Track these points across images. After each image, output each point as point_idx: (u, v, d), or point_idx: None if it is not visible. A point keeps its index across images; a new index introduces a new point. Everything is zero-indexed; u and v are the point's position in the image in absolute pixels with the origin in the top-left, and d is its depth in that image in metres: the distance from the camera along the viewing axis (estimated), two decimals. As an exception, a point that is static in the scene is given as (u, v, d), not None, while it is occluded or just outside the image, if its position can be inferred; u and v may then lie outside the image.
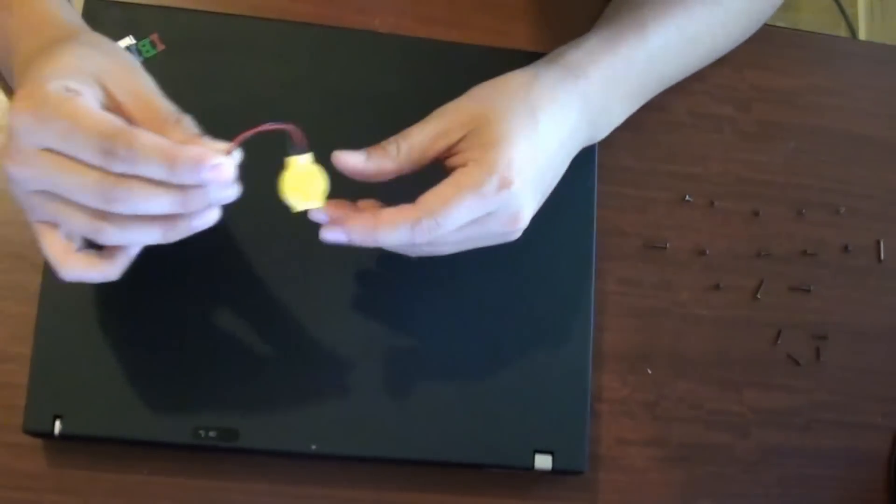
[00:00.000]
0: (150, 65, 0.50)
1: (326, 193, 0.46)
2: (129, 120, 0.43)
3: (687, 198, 0.62)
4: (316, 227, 0.48)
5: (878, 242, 0.64)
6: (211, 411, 0.51)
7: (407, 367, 0.54)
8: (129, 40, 0.55)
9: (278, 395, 0.52)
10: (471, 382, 0.54)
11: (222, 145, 0.43)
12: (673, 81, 0.61)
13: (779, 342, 0.61)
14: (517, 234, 0.50)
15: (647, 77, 0.58)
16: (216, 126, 0.55)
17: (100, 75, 0.43)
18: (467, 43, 0.60)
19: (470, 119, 0.49)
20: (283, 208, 0.56)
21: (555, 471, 0.54)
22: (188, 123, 0.44)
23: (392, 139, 0.49)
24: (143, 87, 0.44)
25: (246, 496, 0.53)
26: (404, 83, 0.58)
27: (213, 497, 0.53)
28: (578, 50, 0.55)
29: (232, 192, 0.44)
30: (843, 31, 1.47)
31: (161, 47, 0.55)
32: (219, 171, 0.42)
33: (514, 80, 0.51)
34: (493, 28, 0.62)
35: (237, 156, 0.43)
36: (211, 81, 0.56)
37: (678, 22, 0.58)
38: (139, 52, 0.55)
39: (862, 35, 1.51)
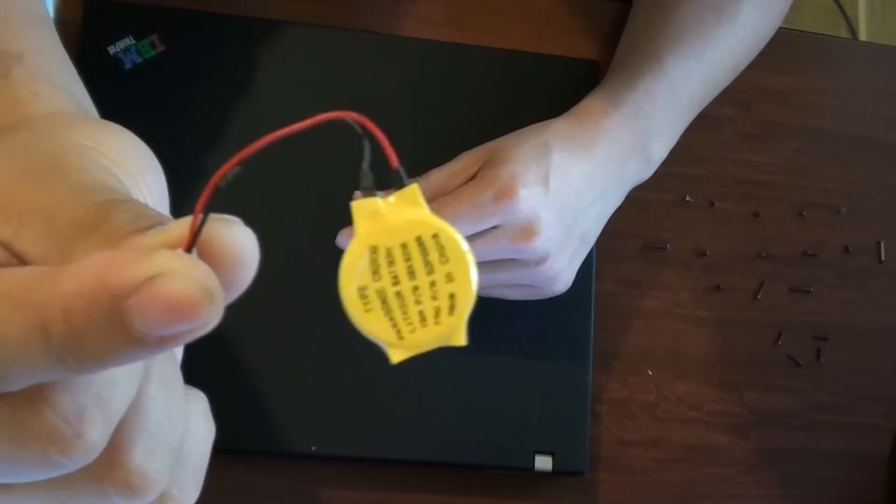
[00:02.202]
0: (150, 65, 0.50)
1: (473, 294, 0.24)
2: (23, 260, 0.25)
3: (687, 198, 0.62)
4: (316, 228, 0.48)
5: (879, 243, 0.64)
6: (210, 411, 0.51)
7: (407, 368, 0.54)
8: (129, 40, 0.55)
9: (278, 396, 0.52)
10: (471, 383, 0.54)
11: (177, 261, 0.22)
12: (705, 104, 0.59)
13: (779, 343, 0.61)
14: (549, 273, 0.50)
15: (674, 108, 0.56)
16: (216, 126, 0.55)
17: None
18: (467, 43, 0.60)
19: (483, 154, 0.51)
20: (280, 210, 0.56)
21: (555, 472, 0.54)
22: (122, 219, 0.24)
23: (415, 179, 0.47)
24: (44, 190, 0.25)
25: (245, 497, 0.53)
26: (404, 84, 0.58)
27: (213, 498, 0.53)
28: (595, 96, 0.55)
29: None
30: (843, 32, 1.47)
31: (161, 47, 0.55)
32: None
33: (529, 127, 0.53)
34: (493, 28, 0.62)
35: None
36: (211, 82, 0.56)
37: (695, 49, 0.56)
38: (139, 53, 0.55)
39: (862, 36, 1.51)
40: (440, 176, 0.51)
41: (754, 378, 0.60)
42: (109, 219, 0.25)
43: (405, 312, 0.23)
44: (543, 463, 0.54)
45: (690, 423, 0.59)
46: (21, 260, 0.25)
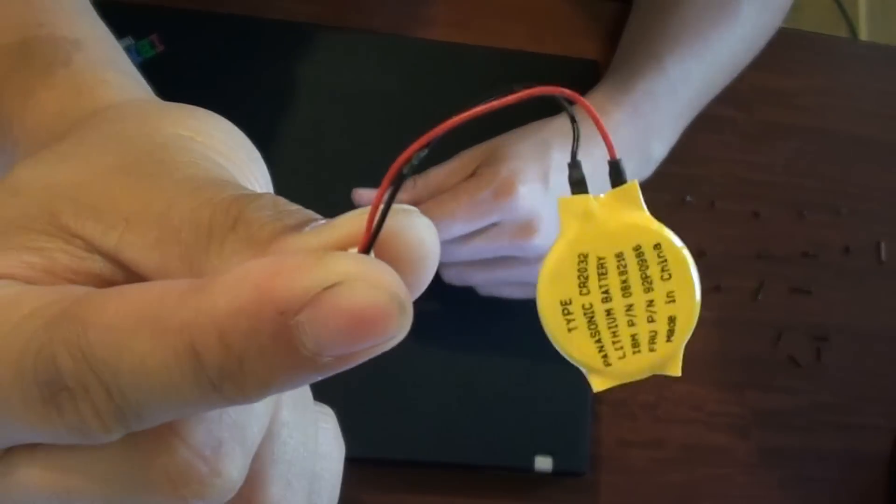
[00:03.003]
0: (150, 65, 0.49)
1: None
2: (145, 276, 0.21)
3: (687, 198, 0.62)
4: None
5: (879, 244, 0.64)
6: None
7: (406, 369, 0.54)
8: (128, 40, 0.55)
9: (278, 396, 0.52)
10: (471, 384, 0.54)
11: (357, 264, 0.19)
12: (705, 103, 0.58)
13: (779, 343, 0.61)
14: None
15: (674, 108, 0.56)
16: (216, 126, 0.55)
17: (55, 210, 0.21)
18: (467, 43, 0.60)
19: (482, 153, 0.51)
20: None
21: (555, 472, 0.54)
22: (258, 214, 0.20)
23: (411, 177, 0.45)
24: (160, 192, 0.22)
25: (245, 497, 0.53)
26: (404, 83, 0.58)
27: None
28: (595, 95, 0.54)
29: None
30: (844, 32, 1.47)
31: (161, 48, 0.55)
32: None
33: (528, 125, 0.53)
34: (493, 28, 0.62)
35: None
36: (211, 82, 0.56)
37: (694, 49, 0.56)
38: (139, 53, 0.55)
39: (863, 36, 1.51)
40: (439, 174, 0.51)
41: (754, 378, 0.60)
42: (245, 217, 0.20)
43: (615, 335, 0.20)
44: (543, 463, 0.54)
45: (691, 423, 0.59)
46: (131, 272, 0.21)
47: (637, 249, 0.19)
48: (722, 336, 0.61)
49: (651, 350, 0.20)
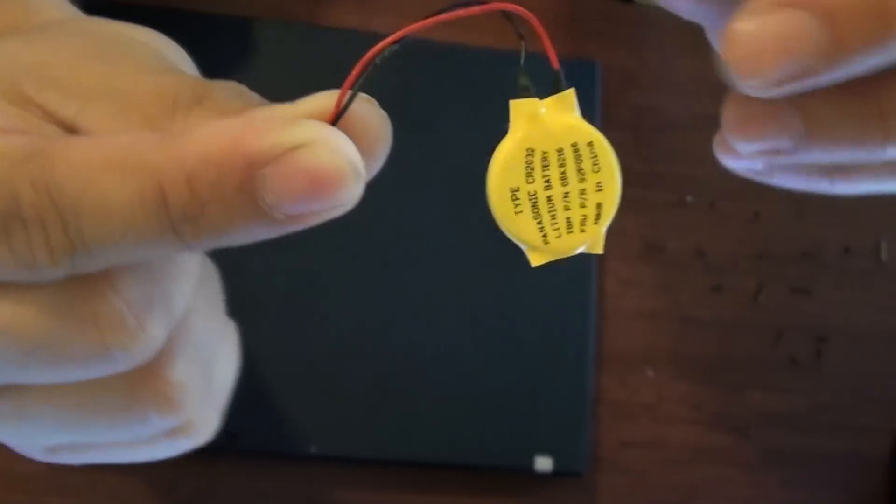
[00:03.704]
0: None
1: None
2: None
3: (688, 199, 0.62)
4: (314, 226, 0.48)
5: (879, 244, 0.64)
6: (210, 413, 0.51)
7: (406, 368, 0.54)
8: (128, 40, 0.55)
9: (276, 396, 0.52)
10: (470, 383, 0.54)
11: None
12: None
13: (779, 344, 0.61)
14: None
15: None
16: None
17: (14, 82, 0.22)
18: (467, 43, 0.60)
19: None
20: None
21: (555, 473, 0.54)
22: (224, 94, 0.22)
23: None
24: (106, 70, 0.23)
25: (244, 498, 0.53)
26: (404, 84, 0.58)
27: (212, 499, 0.53)
28: None
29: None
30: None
31: (160, 47, 0.55)
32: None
33: None
34: (494, 28, 0.62)
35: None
36: (210, 82, 0.56)
37: None
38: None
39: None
40: None
41: (755, 379, 0.60)
42: (213, 94, 0.22)
43: (554, 217, 0.23)
44: (543, 464, 0.54)
45: (691, 423, 0.59)
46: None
47: (574, 146, 0.23)
48: (722, 336, 0.61)
49: (582, 231, 0.24)
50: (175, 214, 0.19)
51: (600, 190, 0.23)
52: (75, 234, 0.18)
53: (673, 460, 0.58)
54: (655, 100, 0.60)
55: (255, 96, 0.23)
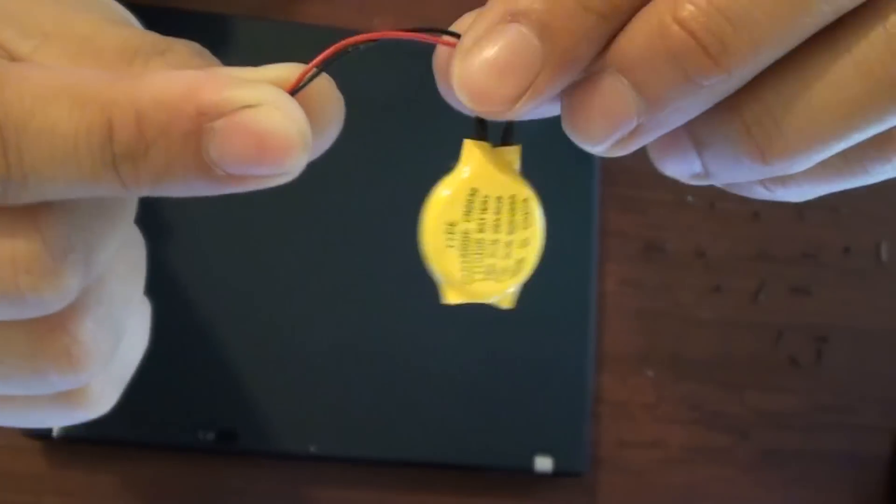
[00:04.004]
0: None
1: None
2: None
3: (688, 199, 0.62)
4: (315, 225, 0.48)
5: (879, 244, 0.64)
6: (209, 413, 0.51)
7: (406, 369, 0.54)
8: (128, 41, 0.55)
9: (277, 396, 0.52)
10: (470, 383, 0.54)
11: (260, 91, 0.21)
12: None
13: (779, 344, 0.61)
14: None
15: None
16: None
17: None
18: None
19: None
20: (283, 207, 0.56)
21: (555, 473, 0.54)
22: (181, 52, 0.23)
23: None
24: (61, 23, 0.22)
25: (244, 498, 0.53)
26: (404, 84, 0.58)
27: (212, 498, 0.53)
28: None
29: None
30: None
31: (160, 48, 0.55)
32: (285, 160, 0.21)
33: None
34: (494, 28, 0.62)
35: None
36: (210, 82, 0.56)
37: None
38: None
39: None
40: None
41: (755, 379, 0.60)
42: (174, 48, 0.23)
43: (478, 260, 0.24)
44: (543, 464, 0.54)
45: (691, 423, 0.59)
46: None
47: (512, 198, 0.23)
48: (722, 336, 0.61)
49: (498, 281, 0.24)
50: (119, 151, 0.18)
51: (525, 246, 0.24)
52: (14, 158, 0.18)
53: (673, 460, 0.58)
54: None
55: (214, 59, 0.24)
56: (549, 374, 0.55)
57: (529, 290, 0.56)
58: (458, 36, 0.23)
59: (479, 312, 0.57)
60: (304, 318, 0.54)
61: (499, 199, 0.23)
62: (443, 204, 0.23)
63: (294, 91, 0.22)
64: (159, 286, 0.53)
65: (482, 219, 0.23)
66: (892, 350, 0.62)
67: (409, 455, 0.53)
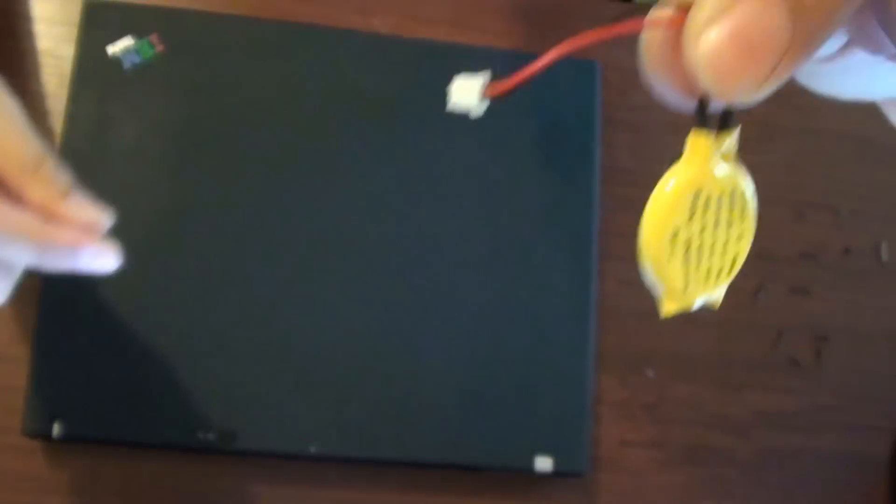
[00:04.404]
0: (150, 65, 0.49)
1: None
2: None
3: (687, 199, 0.62)
4: (315, 224, 0.48)
5: (879, 244, 0.64)
6: (209, 413, 0.51)
7: (407, 369, 0.54)
8: (128, 40, 0.55)
9: (277, 396, 0.52)
10: (470, 384, 0.54)
11: (92, 213, 0.38)
12: None
13: (779, 344, 0.61)
14: None
15: None
16: (215, 126, 0.55)
17: None
18: (467, 43, 0.60)
19: None
20: (284, 210, 0.56)
21: (555, 473, 0.54)
22: (51, 170, 0.36)
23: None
24: None
25: (244, 498, 0.53)
26: (404, 84, 0.58)
27: (212, 499, 0.53)
28: None
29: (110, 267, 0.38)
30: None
31: (160, 48, 0.55)
32: (96, 258, 0.37)
33: None
34: (493, 28, 0.62)
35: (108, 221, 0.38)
36: (210, 82, 0.56)
37: None
38: (139, 53, 0.55)
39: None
40: None
41: (755, 379, 0.60)
42: (43, 169, 0.33)
43: (698, 266, 0.22)
44: (543, 464, 0.54)
45: (691, 423, 0.59)
46: None
47: (732, 192, 0.22)
48: (722, 336, 0.61)
49: (716, 282, 0.23)
50: None
51: (739, 241, 0.22)
52: None
53: (673, 460, 0.58)
54: (654, 100, 0.60)
55: (68, 178, 0.34)
56: (549, 374, 0.55)
57: (530, 290, 0.56)
58: (678, 15, 0.20)
59: (479, 312, 0.57)
60: (305, 318, 0.54)
61: (720, 196, 0.22)
62: (667, 210, 0.21)
63: (510, 91, 0.22)
64: (162, 289, 0.53)
65: (704, 220, 0.22)
66: (892, 350, 0.62)
67: (409, 455, 0.53)
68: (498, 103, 0.23)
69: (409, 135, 0.57)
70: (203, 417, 0.51)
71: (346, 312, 0.54)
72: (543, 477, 0.54)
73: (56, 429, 0.50)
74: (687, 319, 0.61)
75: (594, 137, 0.58)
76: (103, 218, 0.38)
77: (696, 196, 0.21)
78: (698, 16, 0.20)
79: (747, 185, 0.22)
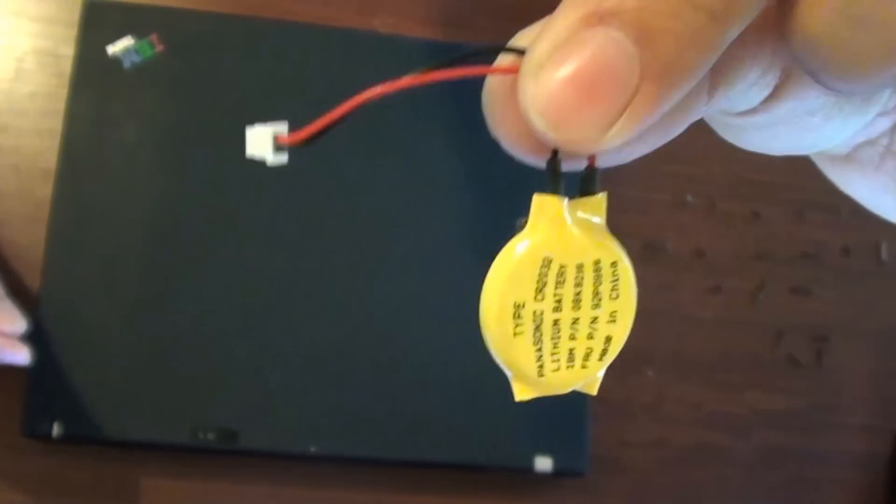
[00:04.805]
0: (150, 65, 0.49)
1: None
2: None
3: (688, 199, 0.62)
4: (315, 224, 0.48)
5: (879, 244, 0.64)
6: (210, 413, 0.51)
7: (406, 369, 0.54)
8: (128, 40, 0.55)
9: (277, 396, 0.52)
10: (470, 384, 0.54)
11: (19, 322, 0.48)
12: None
13: (780, 344, 0.61)
14: None
15: None
16: (215, 126, 0.55)
17: None
18: (467, 42, 0.60)
19: None
20: (283, 210, 0.56)
21: (555, 473, 0.54)
22: None
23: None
24: None
25: (245, 498, 0.53)
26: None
27: (213, 499, 0.53)
28: None
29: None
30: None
31: (160, 48, 0.55)
32: (11, 357, 0.47)
33: None
34: (493, 28, 0.62)
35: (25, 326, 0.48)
36: (210, 82, 0.56)
37: None
38: (138, 53, 0.55)
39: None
40: None
41: (755, 379, 0.60)
42: None
43: (556, 346, 0.19)
44: (543, 464, 0.54)
45: (691, 423, 0.59)
46: None
47: (597, 264, 0.19)
48: (722, 336, 0.60)
49: (583, 367, 0.20)
50: None
51: (613, 321, 0.19)
52: None
53: (673, 460, 0.58)
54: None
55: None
56: (549, 374, 0.55)
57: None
58: (520, 52, 0.18)
59: (478, 312, 0.57)
60: (305, 318, 0.54)
61: (579, 266, 0.18)
62: (506, 280, 0.18)
63: (308, 140, 0.19)
64: (162, 289, 0.53)
65: (558, 294, 0.18)
66: (892, 350, 0.62)
67: (409, 455, 0.53)
68: (304, 151, 0.19)
69: (409, 135, 0.57)
70: (203, 417, 0.51)
71: (347, 312, 0.54)
72: (543, 477, 0.54)
73: (56, 429, 0.50)
74: (687, 320, 0.61)
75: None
76: (22, 326, 0.47)
77: (547, 265, 0.18)
78: (534, 53, 0.17)
79: (621, 257, 0.19)
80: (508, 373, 0.20)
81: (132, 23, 0.55)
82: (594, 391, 0.20)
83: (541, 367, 0.19)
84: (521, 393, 0.20)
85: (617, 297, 0.19)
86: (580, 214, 0.19)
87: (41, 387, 0.50)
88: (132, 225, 0.53)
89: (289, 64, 0.57)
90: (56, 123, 0.54)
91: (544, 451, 0.54)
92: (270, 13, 0.59)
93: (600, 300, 0.19)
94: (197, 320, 0.53)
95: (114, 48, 0.55)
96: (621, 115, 0.16)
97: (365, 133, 0.57)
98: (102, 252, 0.53)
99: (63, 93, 0.55)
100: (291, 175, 0.55)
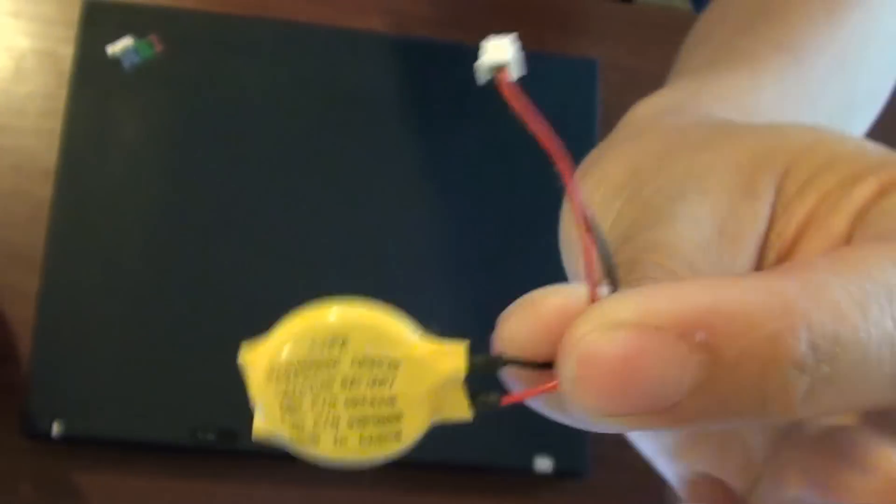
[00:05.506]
0: (150, 65, 0.49)
1: None
2: None
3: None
4: (315, 224, 0.48)
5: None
6: (210, 413, 0.51)
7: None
8: (128, 40, 0.55)
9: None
10: (469, 383, 0.54)
11: None
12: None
13: (780, 344, 0.61)
14: None
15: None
16: (215, 126, 0.55)
17: None
18: (467, 43, 0.60)
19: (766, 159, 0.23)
20: (282, 208, 0.56)
21: (555, 473, 0.54)
22: None
23: (637, 262, 0.21)
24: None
25: (245, 498, 0.53)
26: (404, 84, 0.58)
27: (213, 499, 0.53)
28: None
29: None
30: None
31: (160, 48, 0.55)
32: None
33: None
34: (493, 28, 0.62)
35: None
36: (210, 82, 0.56)
37: (796, 54, 0.35)
38: (138, 53, 0.55)
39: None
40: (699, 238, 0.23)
41: (755, 378, 0.60)
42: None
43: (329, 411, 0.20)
44: (543, 464, 0.54)
45: (691, 423, 0.59)
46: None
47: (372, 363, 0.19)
48: (722, 336, 0.60)
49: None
50: None
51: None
52: None
53: (673, 460, 0.58)
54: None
55: None
56: (549, 374, 0.55)
57: (529, 289, 0.56)
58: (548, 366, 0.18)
59: (477, 312, 0.57)
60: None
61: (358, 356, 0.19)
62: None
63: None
64: (160, 287, 0.53)
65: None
66: (893, 350, 0.62)
67: (409, 455, 0.53)
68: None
69: (409, 134, 0.57)
70: (203, 417, 0.51)
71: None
72: (543, 477, 0.54)
73: (56, 429, 0.50)
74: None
75: (593, 137, 0.58)
76: None
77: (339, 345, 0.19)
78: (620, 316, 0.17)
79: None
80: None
81: (132, 23, 0.55)
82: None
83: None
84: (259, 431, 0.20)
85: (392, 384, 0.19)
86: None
87: (41, 386, 0.50)
88: (132, 225, 0.53)
89: (288, 64, 0.57)
90: (56, 123, 0.54)
91: (544, 451, 0.54)
92: (270, 13, 0.59)
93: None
94: (197, 320, 0.53)
95: (114, 48, 0.55)
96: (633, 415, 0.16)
97: (365, 133, 0.57)
98: (102, 252, 0.53)
99: (63, 93, 0.55)
100: (292, 175, 0.55)
